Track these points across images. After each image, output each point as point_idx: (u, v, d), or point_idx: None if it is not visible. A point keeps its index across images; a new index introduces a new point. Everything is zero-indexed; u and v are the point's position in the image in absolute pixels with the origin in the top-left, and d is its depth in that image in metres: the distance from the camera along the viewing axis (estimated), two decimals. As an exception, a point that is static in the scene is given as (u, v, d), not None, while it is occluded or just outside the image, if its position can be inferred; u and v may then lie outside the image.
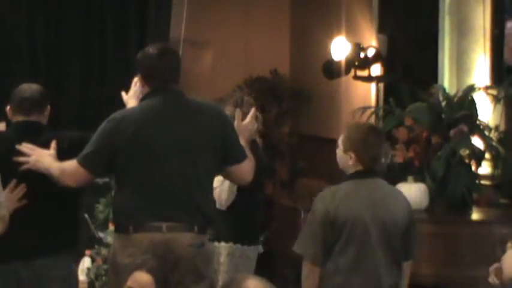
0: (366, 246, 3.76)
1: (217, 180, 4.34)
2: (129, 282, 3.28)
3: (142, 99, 3.92)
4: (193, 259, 3.76)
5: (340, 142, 3.94)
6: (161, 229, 3.73)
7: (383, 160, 4.04)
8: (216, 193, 4.36)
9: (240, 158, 3.93)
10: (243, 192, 4.59)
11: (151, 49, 3.93)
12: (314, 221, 3.80)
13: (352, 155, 3.85)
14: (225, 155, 3.88)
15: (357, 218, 3.75)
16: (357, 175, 3.87)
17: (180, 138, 3.78)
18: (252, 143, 4.45)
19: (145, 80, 3.91)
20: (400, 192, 4.03)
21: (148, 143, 3.76)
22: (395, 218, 3.83)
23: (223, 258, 4.66)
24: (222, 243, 4.67)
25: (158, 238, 3.72)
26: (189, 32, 6.87)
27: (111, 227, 5.49)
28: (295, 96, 8.79)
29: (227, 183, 4.52)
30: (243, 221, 4.73)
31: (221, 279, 4.51)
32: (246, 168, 3.97)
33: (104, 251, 5.52)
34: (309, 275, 3.78)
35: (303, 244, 3.82)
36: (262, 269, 4.78)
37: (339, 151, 3.93)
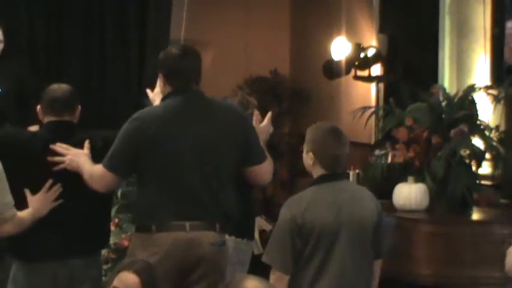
0: (333, 250, 3.74)
1: None
2: (115, 283, 3.26)
3: (163, 99, 3.93)
4: (215, 257, 3.81)
5: (304, 144, 3.95)
6: (184, 228, 3.76)
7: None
8: None
9: (260, 158, 3.97)
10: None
11: (173, 49, 3.98)
12: (281, 229, 3.78)
13: (312, 155, 3.86)
14: (246, 156, 3.91)
15: (324, 223, 3.73)
16: (321, 179, 3.85)
17: (201, 137, 3.81)
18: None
19: (166, 80, 3.93)
20: (367, 192, 4.00)
21: (171, 142, 3.78)
22: (363, 219, 3.82)
23: (230, 251, 4.67)
24: (232, 237, 4.63)
25: (181, 237, 3.75)
26: (189, 33, 6.87)
27: (112, 227, 5.49)
28: (295, 96, 8.79)
29: None
30: (244, 215, 4.70)
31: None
32: (266, 169, 4.01)
33: (104, 251, 5.52)
34: (278, 283, 3.73)
35: (271, 254, 3.79)
36: (261, 269, 4.78)
37: (304, 153, 3.93)
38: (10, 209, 3.77)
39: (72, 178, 3.95)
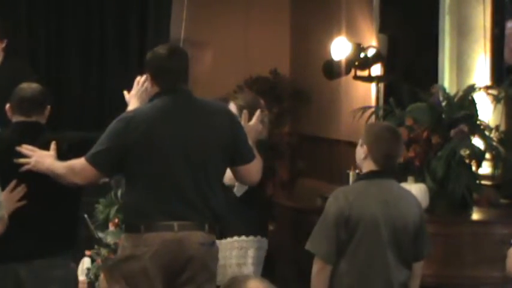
0: (377, 246, 3.80)
1: None
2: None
3: (151, 99, 3.93)
4: (204, 258, 3.80)
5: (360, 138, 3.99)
6: (173, 228, 3.76)
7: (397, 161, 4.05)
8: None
9: (249, 158, 3.97)
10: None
11: (160, 49, 3.96)
12: (328, 221, 3.83)
13: (366, 149, 3.88)
14: (234, 155, 3.91)
15: (370, 217, 3.80)
16: (369, 175, 3.91)
17: (189, 137, 3.81)
18: (259, 142, 4.56)
19: (154, 80, 3.93)
20: (411, 194, 4.08)
21: (158, 142, 3.78)
22: (406, 220, 3.86)
23: (253, 252, 4.70)
24: (251, 237, 4.70)
25: (170, 237, 3.74)
26: (189, 32, 6.87)
27: (111, 228, 5.49)
28: (295, 96, 8.79)
29: None
30: (263, 214, 4.86)
31: (246, 273, 4.60)
32: (255, 168, 4.01)
33: (103, 252, 5.52)
34: (320, 273, 3.81)
35: (316, 243, 3.84)
36: (262, 269, 4.79)
37: (358, 146, 3.97)
38: (2, 209, 3.77)
39: (36, 179, 3.94)
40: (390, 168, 3.95)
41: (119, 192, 5.66)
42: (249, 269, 4.66)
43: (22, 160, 3.96)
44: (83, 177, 3.88)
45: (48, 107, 4.19)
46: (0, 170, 3.96)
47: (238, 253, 4.67)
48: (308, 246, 3.86)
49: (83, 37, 7.35)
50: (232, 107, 4.68)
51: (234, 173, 4.03)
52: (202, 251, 3.79)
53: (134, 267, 3.76)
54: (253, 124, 4.22)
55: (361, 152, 3.93)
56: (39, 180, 3.94)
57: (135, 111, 3.93)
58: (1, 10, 7.01)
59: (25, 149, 3.98)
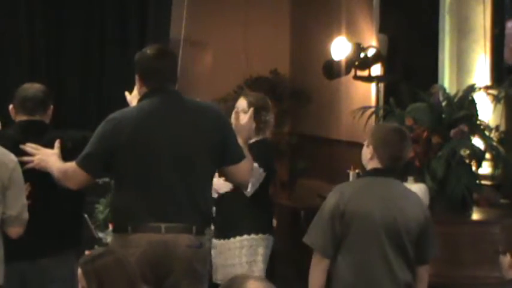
0: (376, 244, 3.76)
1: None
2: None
3: (140, 100, 3.92)
4: (190, 260, 3.76)
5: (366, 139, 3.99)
6: (160, 230, 3.73)
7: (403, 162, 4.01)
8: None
9: (238, 158, 3.93)
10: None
11: (148, 50, 3.94)
12: (324, 213, 3.82)
13: (372, 149, 3.87)
14: (223, 155, 3.87)
15: (366, 214, 3.76)
16: (372, 172, 3.88)
17: (178, 138, 3.78)
18: (262, 142, 4.68)
19: (142, 81, 3.91)
20: (414, 195, 4.00)
21: (147, 143, 3.76)
22: (408, 221, 3.80)
23: (263, 250, 4.73)
24: (260, 235, 4.73)
25: (156, 239, 3.72)
26: (189, 32, 6.87)
27: (111, 227, 5.49)
28: (295, 96, 8.80)
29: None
30: (269, 212, 4.88)
31: (256, 270, 4.65)
32: (244, 168, 3.96)
33: (104, 251, 5.52)
34: (317, 265, 3.80)
35: (312, 236, 3.84)
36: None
37: (364, 147, 3.95)
38: (26, 211, 3.80)
39: (41, 178, 3.95)
40: (396, 168, 3.93)
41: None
42: (259, 266, 4.69)
43: (26, 158, 3.96)
44: (75, 182, 3.87)
45: (51, 106, 4.20)
46: None
47: (248, 251, 4.69)
48: (305, 239, 3.86)
49: (83, 37, 7.35)
50: (243, 102, 4.70)
51: (224, 173, 4.02)
52: (189, 253, 3.75)
53: None
54: (245, 123, 4.19)
55: (367, 152, 3.90)
56: (43, 179, 3.94)
57: (122, 112, 3.90)
58: (1, 10, 7.01)
59: (29, 147, 3.99)
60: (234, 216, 4.74)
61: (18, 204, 3.76)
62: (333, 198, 3.82)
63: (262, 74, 8.80)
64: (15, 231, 3.79)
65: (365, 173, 3.95)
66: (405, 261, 3.81)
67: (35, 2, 7.19)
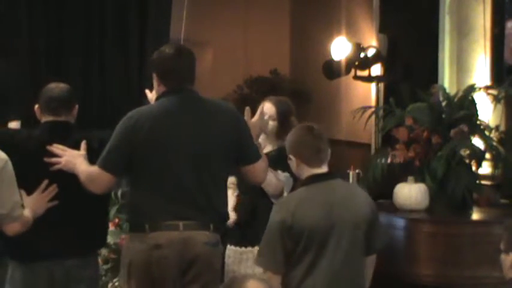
0: (325, 249, 3.76)
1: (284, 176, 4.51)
2: None
3: (157, 99, 3.93)
4: (210, 257, 3.81)
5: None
6: (178, 227, 3.76)
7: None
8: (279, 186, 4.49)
9: (254, 158, 3.96)
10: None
11: (167, 49, 3.96)
12: (272, 231, 3.78)
13: (293, 157, 3.87)
14: (240, 155, 3.91)
15: (314, 223, 3.74)
16: (310, 180, 3.85)
17: (195, 137, 3.81)
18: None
19: (160, 80, 3.93)
20: (359, 190, 4.02)
21: (164, 142, 3.78)
22: (356, 218, 3.82)
23: None
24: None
25: (175, 236, 3.74)
26: (189, 32, 6.87)
27: (111, 227, 5.49)
28: (295, 96, 8.79)
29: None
30: None
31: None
32: (260, 168, 4.00)
33: (104, 251, 5.52)
34: (270, 281, 3.70)
35: (263, 256, 3.81)
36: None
37: (288, 161, 3.94)
38: (19, 208, 3.77)
39: (68, 179, 3.94)
40: (325, 164, 3.86)
41: (119, 192, 5.67)
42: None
43: (53, 159, 3.96)
44: (98, 185, 3.87)
45: (76, 106, 4.20)
46: (32, 170, 3.96)
47: None
48: (257, 262, 3.83)
49: (83, 37, 7.35)
50: (271, 109, 4.65)
51: (240, 173, 4.04)
52: (208, 250, 3.79)
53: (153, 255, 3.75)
54: (256, 120, 4.21)
55: (293, 164, 3.89)
56: (70, 180, 3.93)
57: (141, 110, 3.92)
58: (1, 10, 7.01)
59: (56, 148, 3.99)
60: (255, 225, 4.55)
61: (8, 202, 3.71)
62: (277, 215, 3.79)
63: (262, 74, 8.80)
64: (10, 228, 3.77)
65: (303, 182, 3.91)
66: (357, 259, 3.85)
67: (35, 2, 7.19)
